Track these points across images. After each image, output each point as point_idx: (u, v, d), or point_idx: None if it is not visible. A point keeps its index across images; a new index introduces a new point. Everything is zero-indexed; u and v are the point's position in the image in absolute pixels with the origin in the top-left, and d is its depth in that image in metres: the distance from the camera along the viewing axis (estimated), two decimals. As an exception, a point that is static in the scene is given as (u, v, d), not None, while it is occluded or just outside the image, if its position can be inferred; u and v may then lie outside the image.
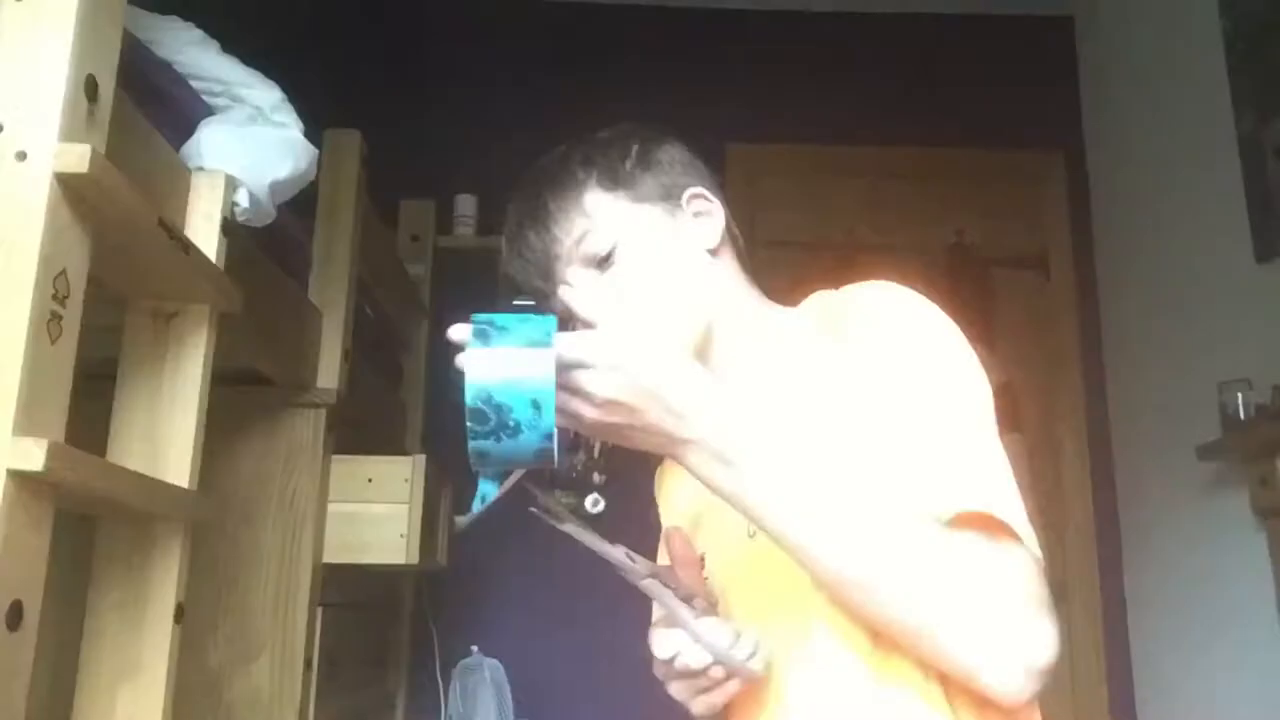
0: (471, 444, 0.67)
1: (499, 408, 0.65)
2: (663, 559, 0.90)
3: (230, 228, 1.24)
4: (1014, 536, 0.72)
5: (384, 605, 2.32)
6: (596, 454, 2.98)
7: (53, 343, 0.86)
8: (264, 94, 1.43)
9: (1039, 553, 0.73)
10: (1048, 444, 2.85)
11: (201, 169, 1.22)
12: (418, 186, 2.81)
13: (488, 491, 0.78)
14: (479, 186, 2.87)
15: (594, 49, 3.11)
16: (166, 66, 1.30)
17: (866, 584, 0.71)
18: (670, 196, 0.97)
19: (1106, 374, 2.86)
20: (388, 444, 2.33)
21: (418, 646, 2.50)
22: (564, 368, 0.67)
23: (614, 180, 0.96)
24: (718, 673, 0.74)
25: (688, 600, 0.79)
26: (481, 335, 0.67)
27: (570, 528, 0.79)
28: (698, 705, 0.78)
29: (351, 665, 1.94)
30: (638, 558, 0.82)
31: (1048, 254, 2.98)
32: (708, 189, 1.00)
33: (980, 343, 0.87)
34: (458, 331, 0.68)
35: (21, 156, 0.85)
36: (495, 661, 2.23)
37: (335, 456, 1.74)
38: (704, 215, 0.99)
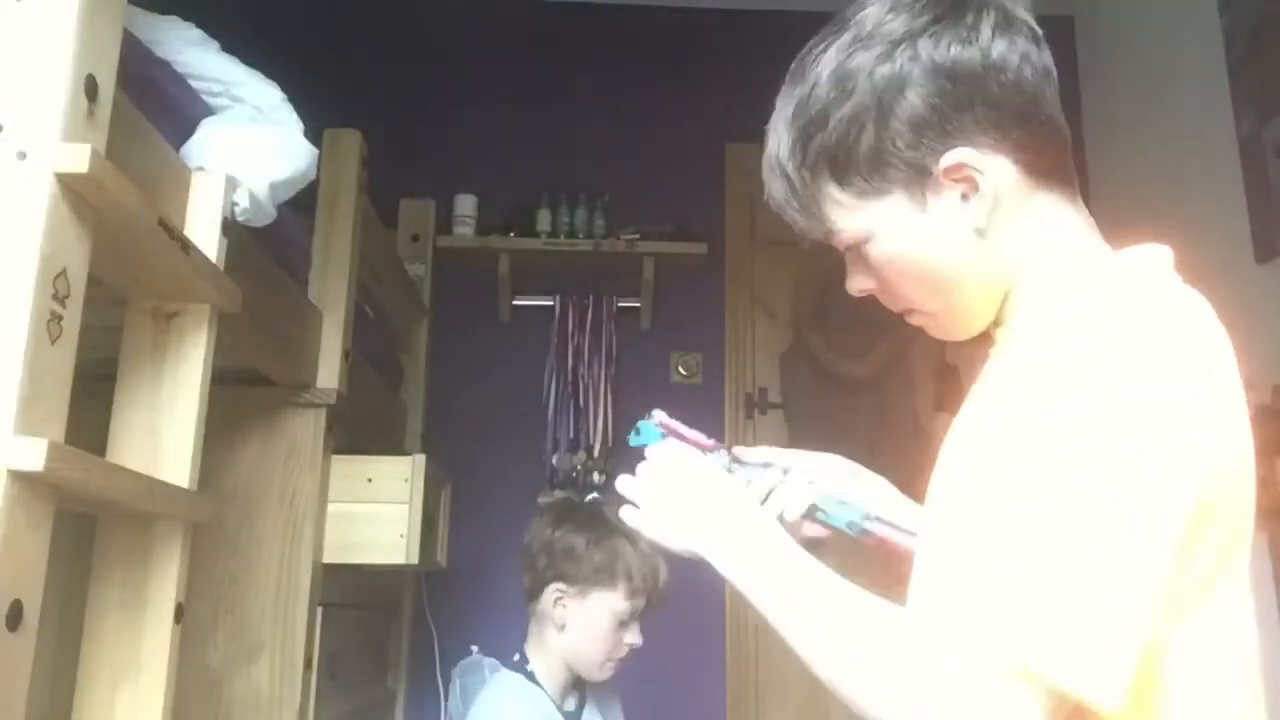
0: None
1: None
2: None
3: (230, 228, 1.24)
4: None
5: (384, 605, 2.32)
6: (597, 454, 3.02)
7: (53, 343, 0.86)
8: (264, 94, 1.43)
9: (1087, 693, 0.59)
10: (1048, 444, 2.85)
11: (201, 169, 1.22)
12: (418, 186, 2.81)
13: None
14: (479, 186, 2.88)
15: (594, 48, 3.11)
16: (166, 66, 1.30)
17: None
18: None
19: (1106, 374, 2.86)
20: (388, 444, 2.33)
21: (418, 646, 2.50)
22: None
23: None
24: None
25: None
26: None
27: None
28: None
29: (351, 665, 1.94)
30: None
31: (1048, 254, 2.98)
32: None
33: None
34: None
35: (21, 156, 0.85)
36: (495, 661, 2.23)
37: (335, 456, 1.74)
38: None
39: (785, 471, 0.96)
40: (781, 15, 3.10)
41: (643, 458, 0.93)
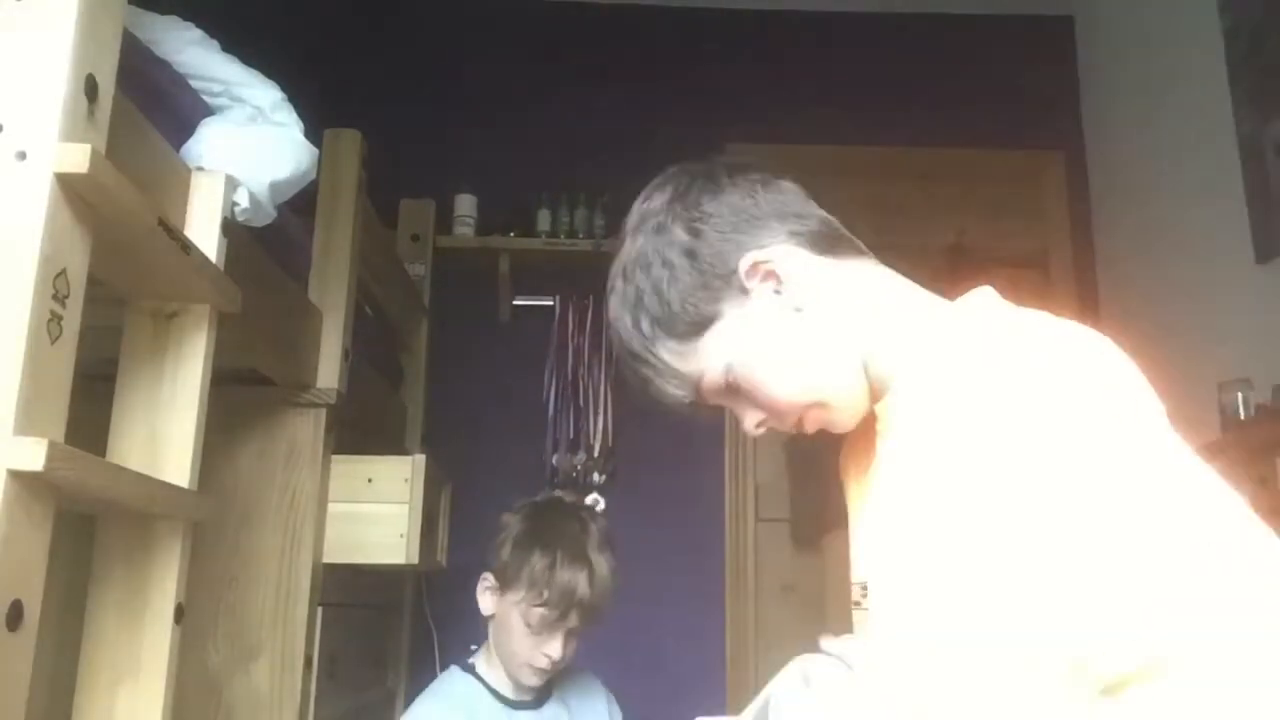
0: None
1: None
2: None
3: (230, 228, 1.24)
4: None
5: (384, 605, 2.32)
6: (597, 454, 3.01)
7: (53, 343, 0.86)
8: (264, 94, 1.43)
9: None
10: (1048, 444, 2.85)
11: (201, 169, 1.22)
12: (418, 186, 2.81)
13: None
14: (479, 186, 2.87)
15: (594, 49, 3.11)
16: (166, 66, 1.30)
17: None
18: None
19: (1106, 374, 2.86)
20: (388, 444, 2.33)
21: (418, 646, 2.50)
22: None
23: None
24: None
25: None
26: None
27: None
28: None
29: (351, 665, 1.94)
30: None
31: (1048, 254, 2.98)
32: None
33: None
34: None
35: (21, 156, 0.85)
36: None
37: (335, 456, 1.74)
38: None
39: None
40: (781, 15, 3.11)
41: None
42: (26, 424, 0.82)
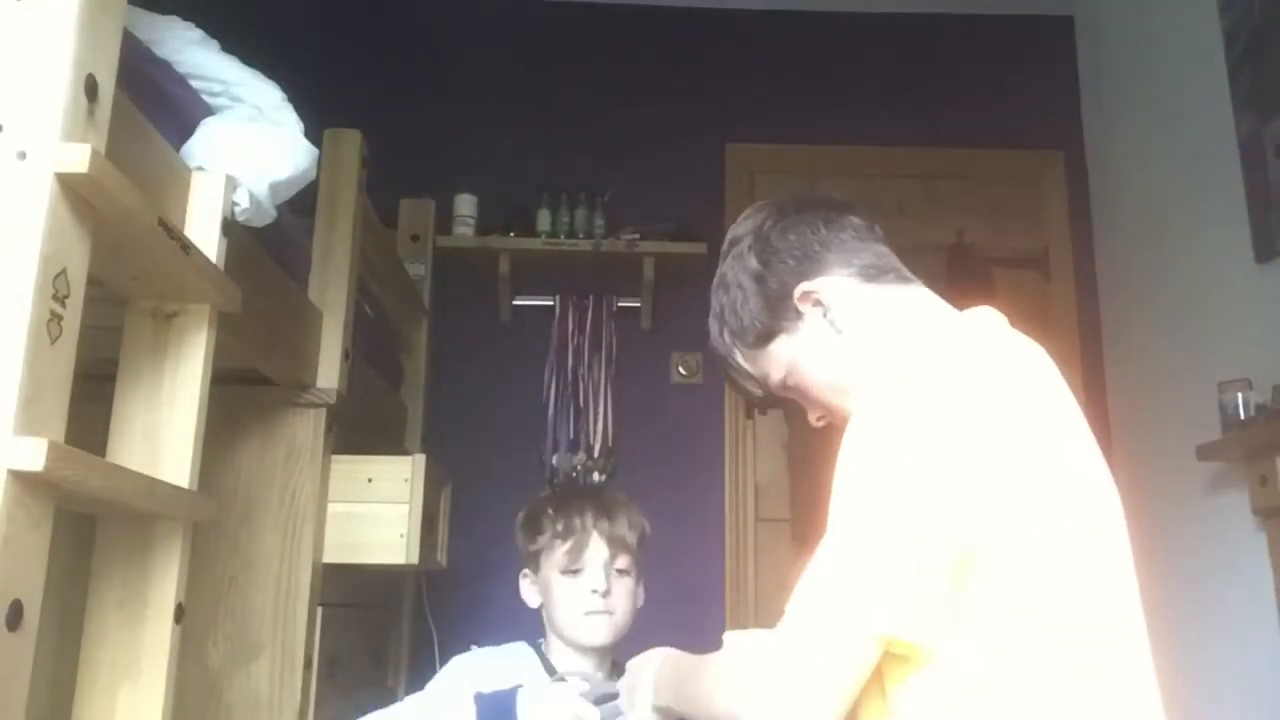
0: None
1: None
2: None
3: (230, 228, 1.24)
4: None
5: (384, 605, 2.32)
6: (597, 454, 3.01)
7: (53, 343, 0.86)
8: (264, 94, 1.43)
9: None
10: (1048, 444, 2.85)
11: (201, 169, 1.22)
12: (418, 186, 2.81)
13: None
14: (479, 186, 2.87)
15: (594, 49, 3.11)
16: (166, 66, 1.30)
17: None
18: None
19: (1106, 374, 2.86)
20: (388, 444, 2.33)
21: (418, 646, 2.50)
22: None
23: None
24: None
25: None
26: None
27: None
28: None
29: (351, 665, 1.94)
30: None
31: (1048, 254, 2.98)
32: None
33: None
34: None
35: (21, 156, 0.85)
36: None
37: (335, 456, 1.74)
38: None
39: None
40: (781, 15, 3.11)
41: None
42: (26, 424, 0.82)
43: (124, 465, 1.08)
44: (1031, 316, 3.23)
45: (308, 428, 1.68)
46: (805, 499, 2.73)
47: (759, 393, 1.15)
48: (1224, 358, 2.18)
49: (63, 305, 0.87)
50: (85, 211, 0.90)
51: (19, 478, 0.81)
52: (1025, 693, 0.83)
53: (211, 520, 1.24)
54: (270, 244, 1.49)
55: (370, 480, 1.76)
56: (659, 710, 1.13)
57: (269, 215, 1.33)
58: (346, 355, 1.77)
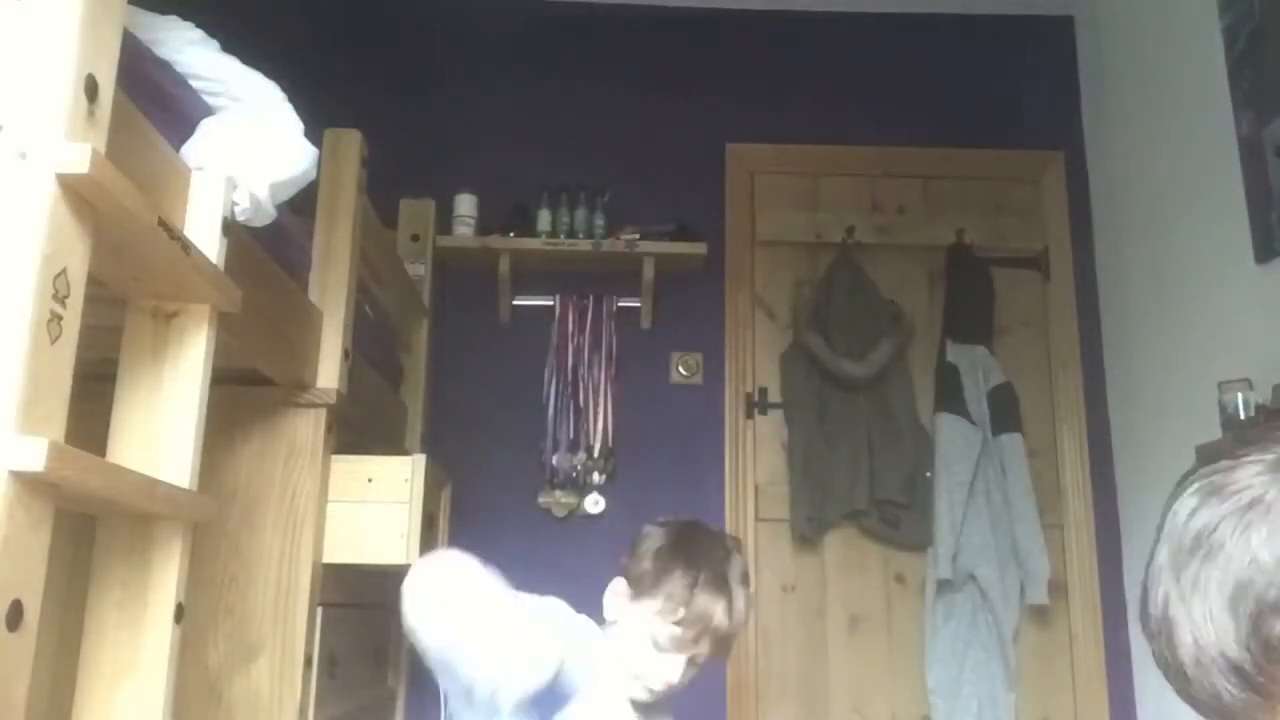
0: None
1: None
2: None
3: (230, 228, 1.24)
4: None
5: (384, 605, 2.31)
6: (597, 454, 3.00)
7: (53, 343, 0.86)
8: (264, 94, 1.44)
9: None
10: (1048, 444, 2.85)
11: (201, 169, 1.22)
12: (418, 186, 2.81)
13: None
14: (479, 186, 2.87)
15: (593, 49, 3.11)
16: (166, 66, 1.30)
17: None
18: None
19: (1106, 374, 2.86)
20: (388, 444, 2.33)
21: (418, 646, 2.50)
22: None
23: None
24: None
25: None
26: None
27: None
28: None
29: (351, 665, 1.94)
30: None
31: (1048, 254, 2.98)
32: None
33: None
34: None
35: (22, 156, 0.85)
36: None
37: (335, 456, 1.74)
38: None
39: None
40: (781, 15, 3.11)
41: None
42: (26, 424, 0.82)
43: (124, 465, 1.08)
44: (1031, 316, 3.25)
45: (308, 428, 1.68)
46: (805, 499, 2.73)
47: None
48: (1224, 358, 2.18)
49: (63, 305, 0.87)
50: (85, 211, 0.90)
51: (19, 478, 0.81)
52: None
53: (211, 520, 1.24)
54: (270, 244, 1.49)
55: (370, 480, 1.76)
56: None
57: (269, 215, 1.33)
58: (346, 355, 1.77)
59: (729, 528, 2.78)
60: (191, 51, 1.39)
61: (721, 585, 1.44)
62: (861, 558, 2.79)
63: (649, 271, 2.80)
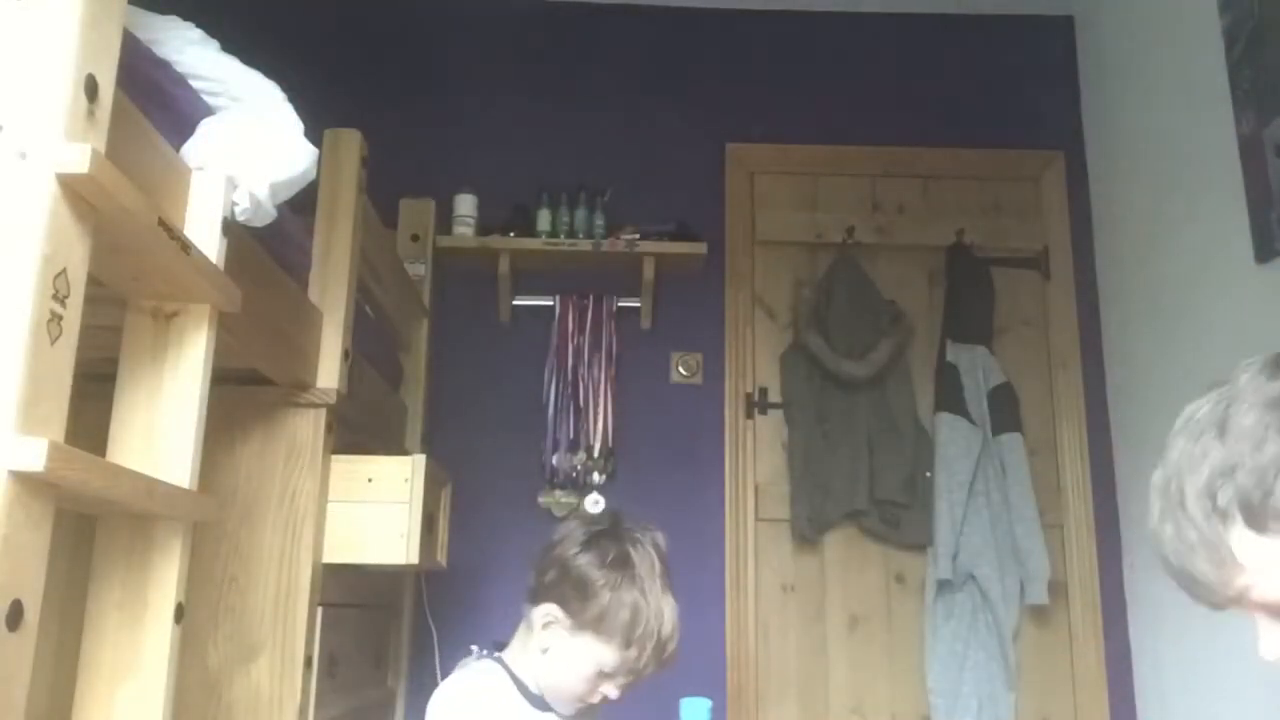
0: None
1: None
2: None
3: (230, 228, 1.24)
4: None
5: (384, 605, 2.32)
6: (597, 454, 3.01)
7: (53, 343, 0.86)
8: (264, 94, 1.44)
9: None
10: (1048, 444, 2.85)
11: (201, 169, 1.22)
12: (418, 186, 2.81)
13: None
14: (479, 186, 2.87)
15: (593, 49, 3.11)
16: (166, 66, 1.30)
17: None
18: None
19: (1106, 374, 2.86)
20: (388, 444, 2.33)
21: (418, 646, 2.50)
22: None
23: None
24: None
25: None
26: None
27: None
28: None
29: (351, 665, 1.94)
30: None
31: (1047, 254, 2.98)
32: None
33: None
34: None
35: (22, 156, 0.85)
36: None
37: (335, 456, 1.74)
38: None
39: None
40: (781, 15, 3.11)
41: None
42: (26, 424, 0.82)
43: (124, 465, 1.08)
44: (1031, 316, 3.25)
45: (308, 428, 1.68)
46: (805, 499, 2.73)
47: (1220, 589, 0.90)
48: (1224, 358, 2.17)
49: (63, 305, 0.87)
50: (85, 211, 0.90)
51: (19, 478, 0.81)
52: None
53: (211, 520, 1.24)
54: (270, 244, 1.49)
55: (370, 480, 1.76)
56: None
57: (269, 215, 1.33)
58: (346, 355, 1.77)
59: (729, 528, 2.79)
60: (191, 51, 1.39)
61: (664, 608, 1.44)
62: (861, 557, 2.79)
63: (649, 271, 2.80)
